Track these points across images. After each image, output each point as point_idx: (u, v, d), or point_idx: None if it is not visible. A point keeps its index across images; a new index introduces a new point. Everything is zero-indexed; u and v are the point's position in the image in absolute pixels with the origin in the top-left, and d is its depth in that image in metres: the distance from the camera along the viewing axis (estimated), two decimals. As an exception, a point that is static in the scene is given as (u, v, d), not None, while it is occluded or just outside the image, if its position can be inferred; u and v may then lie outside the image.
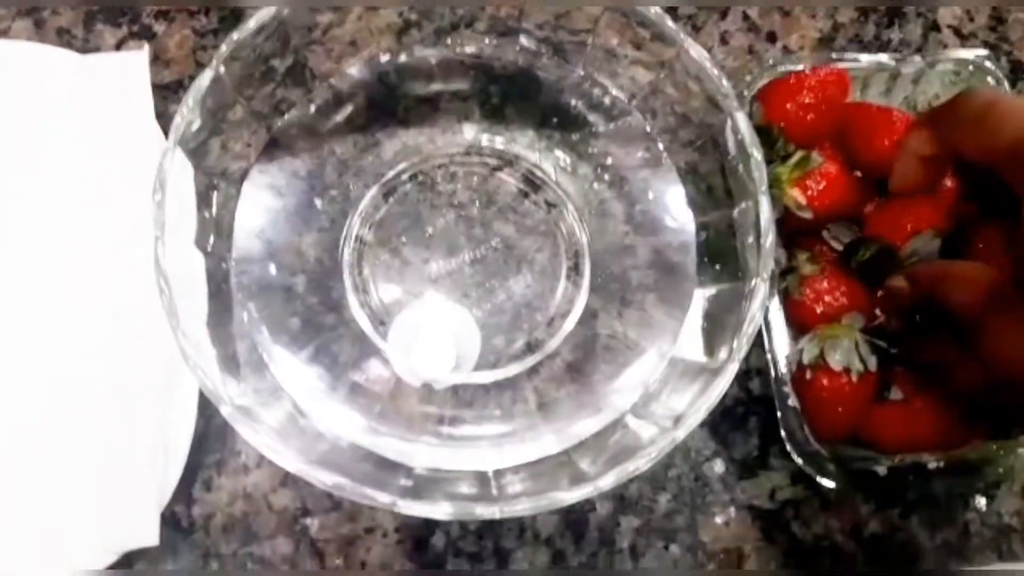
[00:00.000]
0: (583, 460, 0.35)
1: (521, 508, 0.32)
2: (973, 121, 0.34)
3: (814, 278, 0.40)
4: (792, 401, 0.39)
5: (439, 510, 0.32)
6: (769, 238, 0.34)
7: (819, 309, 0.39)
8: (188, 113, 0.34)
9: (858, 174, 0.40)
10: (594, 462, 0.34)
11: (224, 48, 0.34)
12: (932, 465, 0.39)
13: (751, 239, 0.35)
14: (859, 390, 0.38)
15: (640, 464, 0.32)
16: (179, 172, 0.35)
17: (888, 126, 0.39)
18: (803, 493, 0.42)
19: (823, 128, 0.40)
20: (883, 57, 0.42)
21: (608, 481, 0.32)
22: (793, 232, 0.40)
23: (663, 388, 0.37)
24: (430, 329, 0.39)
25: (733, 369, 0.33)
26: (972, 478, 0.39)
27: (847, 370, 0.38)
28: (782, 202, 0.39)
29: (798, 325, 0.40)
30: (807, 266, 0.40)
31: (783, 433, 0.39)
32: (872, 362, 0.38)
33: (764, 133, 0.39)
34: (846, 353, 0.38)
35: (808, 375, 0.38)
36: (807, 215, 0.39)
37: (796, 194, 0.39)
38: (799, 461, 0.38)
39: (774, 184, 0.39)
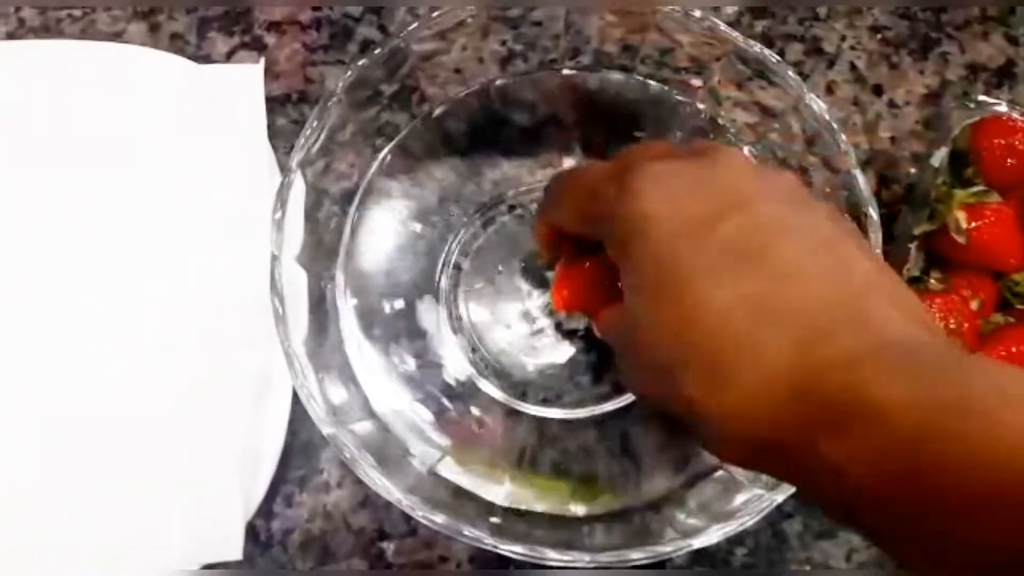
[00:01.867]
0: (678, 513, 0.34)
1: (608, 559, 0.32)
2: (556, 202, 0.32)
3: (936, 294, 0.39)
4: None
5: (528, 552, 0.32)
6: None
7: None
8: (311, 135, 0.34)
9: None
10: (689, 517, 0.34)
11: (350, 74, 0.35)
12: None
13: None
14: None
15: (735, 527, 0.31)
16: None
17: None
18: (880, 556, 0.41)
19: (1017, 178, 0.40)
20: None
21: (704, 540, 0.31)
22: (938, 252, 0.41)
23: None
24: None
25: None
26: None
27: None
28: (943, 218, 0.39)
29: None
30: (935, 283, 0.40)
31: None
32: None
33: (960, 157, 0.40)
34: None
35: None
36: (961, 239, 0.39)
37: (961, 216, 0.39)
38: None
39: (944, 199, 0.39)
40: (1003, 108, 0.41)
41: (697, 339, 0.23)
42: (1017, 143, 0.40)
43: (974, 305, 0.39)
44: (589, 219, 0.29)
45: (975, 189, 0.39)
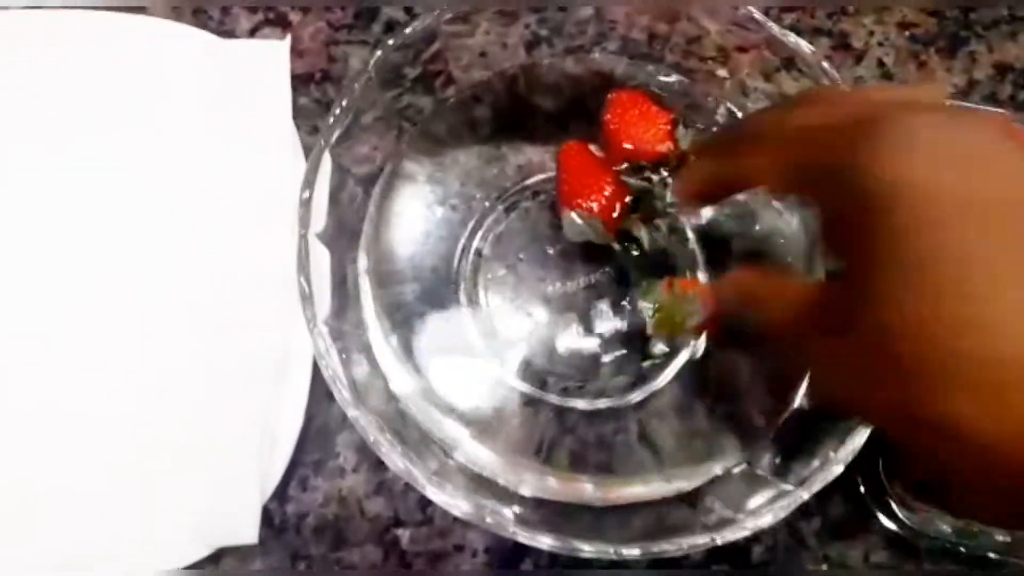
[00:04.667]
0: (700, 509, 0.34)
1: (632, 551, 0.31)
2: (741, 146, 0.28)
3: None
4: None
5: (554, 542, 0.31)
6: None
7: None
8: (341, 114, 0.33)
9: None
10: (711, 513, 0.33)
11: (380, 54, 0.34)
12: (999, 538, 0.37)
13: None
14: None
15: (762, 523, 0.31)
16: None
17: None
18: (897, 558, 0.41)
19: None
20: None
21: (727, 536, 0.31)
22: None
23: (787, 438, 0.36)
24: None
25: (868, 429, 0.32)
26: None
27: None
28: None
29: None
30: None
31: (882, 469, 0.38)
32: None
33: None
34: None
35: None
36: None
37: None
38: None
39: None
40: None
41: (978, 347, 0.20)
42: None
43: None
44: (798, 168, 0.25)
45: None
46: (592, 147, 0.39)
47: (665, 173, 0.38)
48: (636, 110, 0.38)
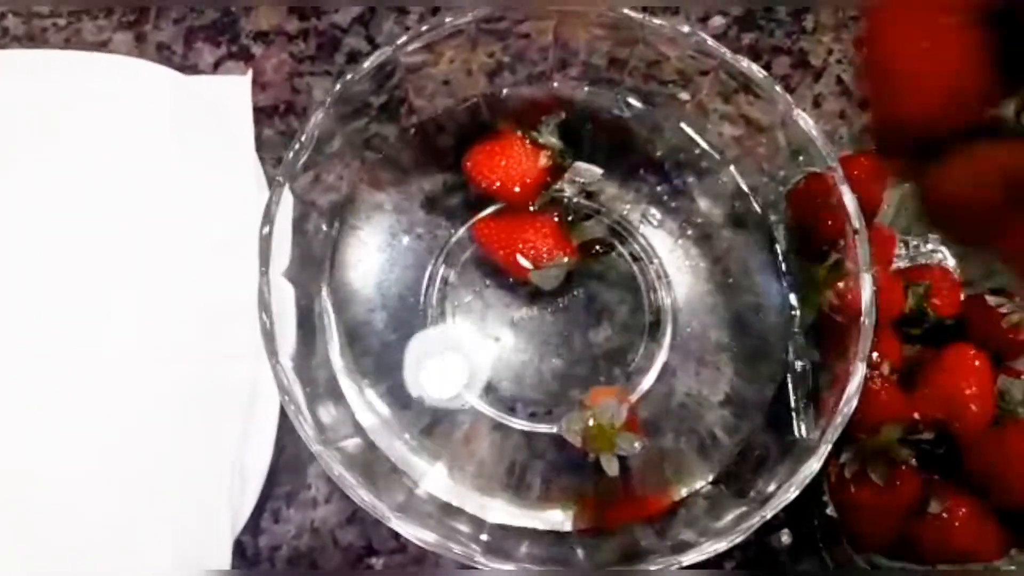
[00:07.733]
0: (667, 530, 0.34)
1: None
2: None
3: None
4: (831, 511, 0.37)
5: (518, 572, 0.31)
6: (871, 318, 0.34)
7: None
8: (300, 149, 0.34)
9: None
10: (679, 533, 0.34)
11: (338, 88, 0.35)
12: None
13: (846, 317, 0.35)
14: (901, 503, 0.36)
15: (726, 542, 0.31)
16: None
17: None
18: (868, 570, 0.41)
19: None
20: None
21: (693, 556, 0.31)
22: (828, 331, 0.38)
23: (748, 460, 0.36)
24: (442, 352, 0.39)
25: (825, 451, 0.32)
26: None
27: (889, 485, 0.36)
28: (818, 302, 0.38)
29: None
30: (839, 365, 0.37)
31: (820, 541, 0.38)
32: (913, 474, 0.36)
33: (800, 232, 0.39)
34: (887, 468, 0.36)
35: (852, 489, 0.36)
36: (839, 318, 0.36)
37: (831, 296, 0.37)
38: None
39: (809, 284, 0.38)
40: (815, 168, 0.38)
41: None
42: (835, 200, 0.36)
43: (886, 369, 0.37)
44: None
45: (830, 261, 0.37)
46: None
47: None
48: (498, 157, 0.38)
